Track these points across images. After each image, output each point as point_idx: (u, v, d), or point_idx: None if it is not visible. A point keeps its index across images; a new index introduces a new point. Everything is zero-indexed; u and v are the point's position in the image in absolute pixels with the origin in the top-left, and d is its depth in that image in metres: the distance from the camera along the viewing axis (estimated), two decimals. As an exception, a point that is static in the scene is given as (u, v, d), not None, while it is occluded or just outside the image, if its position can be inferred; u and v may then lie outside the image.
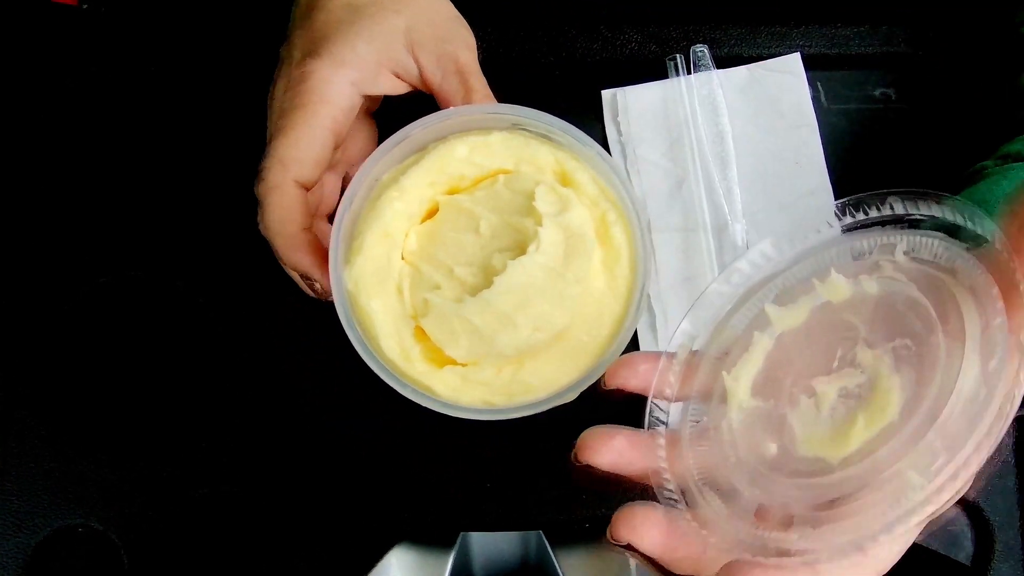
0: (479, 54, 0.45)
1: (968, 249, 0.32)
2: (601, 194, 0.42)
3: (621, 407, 0.49)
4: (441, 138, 0.43)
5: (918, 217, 0.33)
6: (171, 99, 0.52)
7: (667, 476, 0.34)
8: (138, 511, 0.48)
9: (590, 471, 0.35)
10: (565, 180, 0.43)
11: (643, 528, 0.33)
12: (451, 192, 0.43)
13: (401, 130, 0.42)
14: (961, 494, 0.29)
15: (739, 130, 0.52)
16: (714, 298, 0.37)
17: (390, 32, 0.43)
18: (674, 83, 0.52)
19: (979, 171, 0.45)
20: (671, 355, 0.37)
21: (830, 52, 0.53)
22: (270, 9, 0.48)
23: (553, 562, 0.46)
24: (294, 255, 0.42)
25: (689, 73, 0.52)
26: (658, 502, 0.34)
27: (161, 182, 0.51)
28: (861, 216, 0.34)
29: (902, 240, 0.34)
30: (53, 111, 0.52)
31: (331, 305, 0.40)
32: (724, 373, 0.36)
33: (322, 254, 0.42)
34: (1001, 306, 0.30)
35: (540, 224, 0.40)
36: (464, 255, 0.42)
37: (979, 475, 0.29)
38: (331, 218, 0.46)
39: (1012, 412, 0.29)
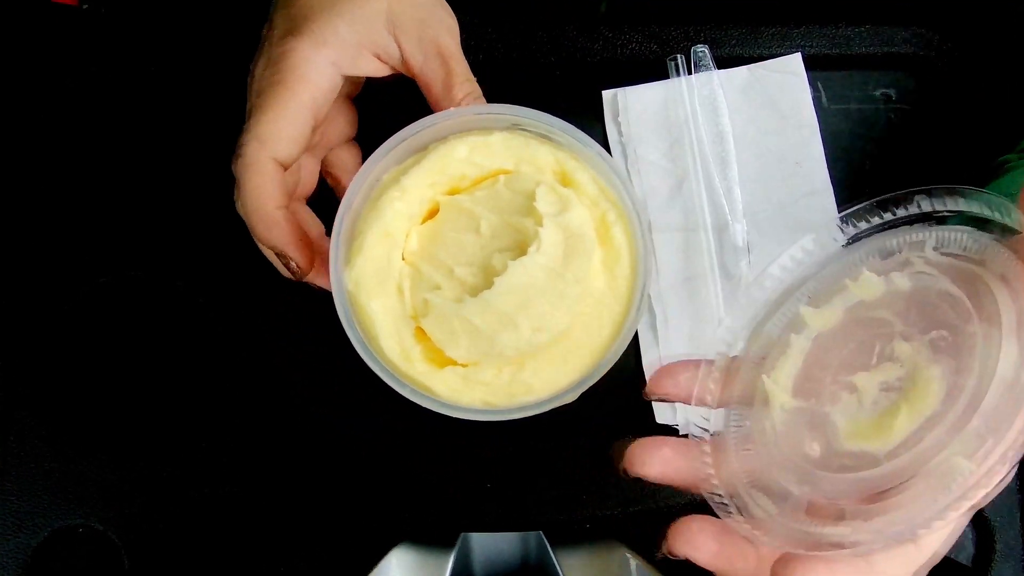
0: (479, 54, 0.45)
1: (996, 240, 0.32)
2: (601, 194, 0.42)
3: (622, 407, 0.50)
4: (441, 138, 0.43)
5: (945, 213, 0.33)
6: (171, 99, 0.52)
7: (715, 482, 0.35)
8: (138, 511, 0.48)
9: (640, 483, 0.35)
10: (565, 180, 0.43)
11: (699, 539, 0.33)
12: (451, 192, 0.43)
13: (402, 130, 0.42)
14: (1011, 476, 0.30)
15: (739, 130, 0.52)
16: (748, 304, 0.38)
17: (372, 14, 0.43)
18: (675, 83, 0.52)
19: (1002, 164, 0.45)
20: (710, 362, 0.37)
21: (831, 52, 0.53)
22: (269, 9, 0.48)
23: (553, 562, 0.46)
24: (269, 232, 0.41)
25: (690, 73, 0.52)
26: (710, 514, 0.34)
27: (161, 182, 0.51)
28: (889, 216, 0.35)
29: (931, 236, 0.34)
30: (53, 111, 0.52)
31: (331, 305, 0.40)
32: (764, 376, 0.36)
33: (298, 232, 0.42)
34: None
35: (540, 224, 0.40)
36: (464, 255, 0.42)
37: None
38: (309, 201, 0.46)
39: None
